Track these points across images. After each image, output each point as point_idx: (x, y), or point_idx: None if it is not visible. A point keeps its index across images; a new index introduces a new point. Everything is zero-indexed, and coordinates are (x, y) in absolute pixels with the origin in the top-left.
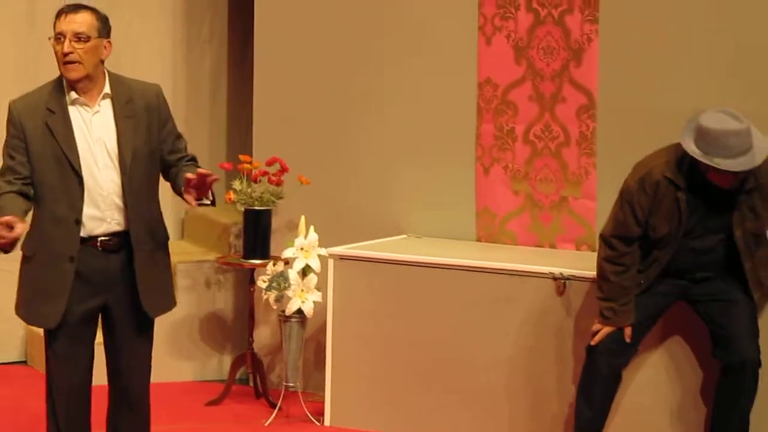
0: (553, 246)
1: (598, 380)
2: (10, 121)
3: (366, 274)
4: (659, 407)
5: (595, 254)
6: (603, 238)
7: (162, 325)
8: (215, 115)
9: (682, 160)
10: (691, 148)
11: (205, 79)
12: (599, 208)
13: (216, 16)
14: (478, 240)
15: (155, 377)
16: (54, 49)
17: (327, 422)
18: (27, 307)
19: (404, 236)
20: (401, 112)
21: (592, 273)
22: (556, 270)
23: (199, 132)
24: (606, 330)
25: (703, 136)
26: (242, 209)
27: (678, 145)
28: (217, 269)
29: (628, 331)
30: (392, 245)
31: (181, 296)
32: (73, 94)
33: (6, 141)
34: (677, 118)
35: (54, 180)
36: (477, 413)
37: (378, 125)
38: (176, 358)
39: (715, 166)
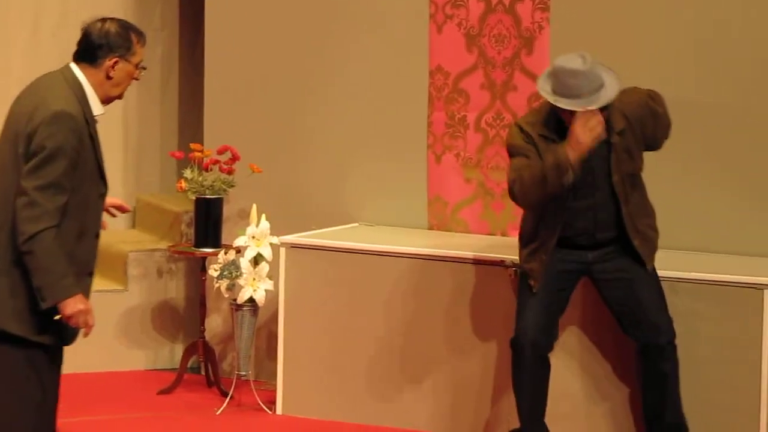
0: (504, 234)
1: (528, 369)
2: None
3: (318, 263)
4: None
5: None
6: (508, 181)
7: (114, 314)
8: (166, 104)
9: (548, 120)
10: (542, 86)
11: (156, 68)
12: None
13: (167, 5)
14: (430, 228)
15: (107, 366)
16: (132, 74)
17: (279, 411)
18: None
19: (356, 224)
20: (353, 101)
21: None
22: (508, 258)
23: (151, 121)
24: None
25: (552, 75)
26: (193, 198)
27: (541, 111)
28: (169, 258)
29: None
30: (344, 233)
31: (133, 285)
32: (101, 108)
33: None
34: None
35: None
36: (429, 401)
37: (329, 113)
38: (128, 347)
39: (553, 103)
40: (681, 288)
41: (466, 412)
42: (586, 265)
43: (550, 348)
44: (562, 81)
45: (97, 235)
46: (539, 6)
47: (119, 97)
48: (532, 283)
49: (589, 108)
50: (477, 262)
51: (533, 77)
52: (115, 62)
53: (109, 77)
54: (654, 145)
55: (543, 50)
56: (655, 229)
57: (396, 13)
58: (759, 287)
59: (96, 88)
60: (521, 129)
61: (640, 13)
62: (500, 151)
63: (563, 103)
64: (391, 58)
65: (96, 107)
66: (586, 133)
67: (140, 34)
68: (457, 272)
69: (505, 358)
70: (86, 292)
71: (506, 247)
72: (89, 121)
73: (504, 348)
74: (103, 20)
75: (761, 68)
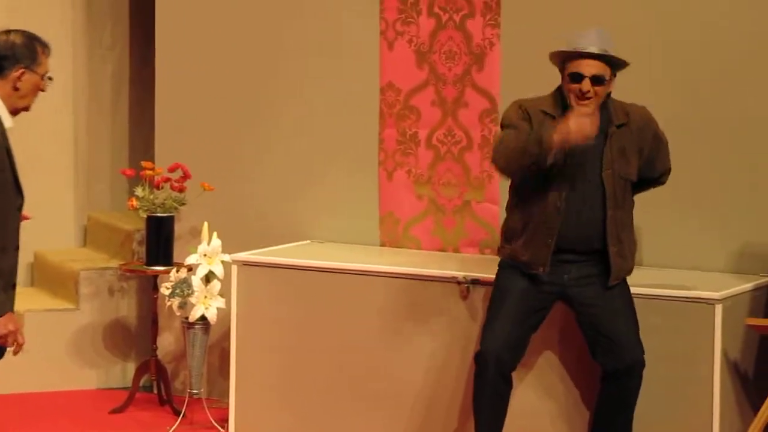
0: (456, 250)
1: (490, 385)
2: None
3: (269, 280)
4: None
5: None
6: (492, 150)
7: (65, 333)
8: (117, 122)
9: (553, 99)
10: (557, 49)
11: (106, 86)
12: (502, 211)
13: (117, 23)
14: (382, 245)
15: (59, 385)
16: (39, 85)
17: (231, 429)
18: None
19: (308, 242)
20: (304, 117)
21: None
22: (460, 274)
23: (101, 139)
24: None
25: (567, 38)
26: (145, 216)
27: (555, 90)
28: (120, 276)
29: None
30: (296, 251)
31: (84, 304)
32: (11, 121)
33: None
34: None
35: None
36: (382, 419)
37: (281, 130)
38: (80, 365)
39: (573, 50)
40: (633, 305)
41: (422, 429)
42: (564, 288)
43: (515, 367)
44: (576, 37)
45: (17, 248)
46: (490, 22)
47: (26, 108)
48: (540, 270)
49: (602, 51)
50: (429, 278)
51: (484, 93)
52: (22, 73)
53: (16, 88)
54: (649, 172)
55: (494, 67)
56: (632, 252)
57: (347, 30)
58: (710, 302)
59: (4, 100)
60: (520, 106)
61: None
62: (451, 167)
63: (581, 44)
64: (343, 74)
65: (6, 120)
66: (577, 123)
67: (45, 45)
68: (409, 289)
69: (459, 375)
70: (12, 307)
71: (458, 263)
72: (3, 133)
73: (458, 364)
74: (8, 32)
75: (711, 84)
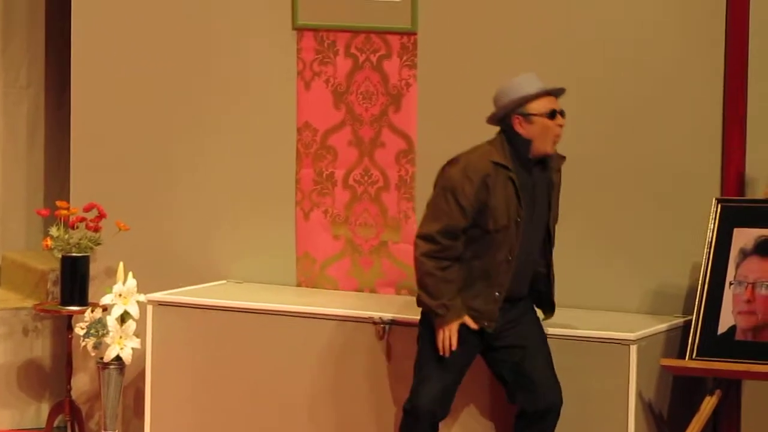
0: (373, 290)
1: None
2: None
3: (185, 320)
4: None
5: (414, 299)
6: (423, 235)
7: None
8: (32, 161)
9: (502, 147)
10: (524, 88)
11: (22, 125)
12: None
13: (32, 62)
14: (299, 285)
15: None
16: None
17: None
18: None
19: (224, 282)
20: (220, 157)
21: (413, 317)
22: (376, 314)
23: (17, 178)
24: (454, 332)
25: (514, 86)
26: (60, 256)
27: (493, 138)
28: (35, 316)
29: (469, 321)
30: (212, 291)
31: None
32: None
33: None
34: None
35: None
36: None
37: (197, 170)
38: None
39: (536, 92)
40: (548, 344)
41: None
42: (496, 333)
43: (446, 416)
44: (526, 80)
45: None
46: (406, 63)
47: None
48: (486, 323)
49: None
50: (345, 319)
51: (401, 134)
52: None
53: None
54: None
55: (411, 107)
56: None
57: (264, 70)
58: (625, 343)
59: None
60: (470, 178)
61: (507, 71)
62: (368, 207)
63: (536, 85)
64: (259, 114)
65: None
66: (443, 342)
67: None
68: (326, 329)
69: (375, 416)
70: None
71: (375, 304)
72: None
73: (373, 405)
74: None
75: (622, 123)
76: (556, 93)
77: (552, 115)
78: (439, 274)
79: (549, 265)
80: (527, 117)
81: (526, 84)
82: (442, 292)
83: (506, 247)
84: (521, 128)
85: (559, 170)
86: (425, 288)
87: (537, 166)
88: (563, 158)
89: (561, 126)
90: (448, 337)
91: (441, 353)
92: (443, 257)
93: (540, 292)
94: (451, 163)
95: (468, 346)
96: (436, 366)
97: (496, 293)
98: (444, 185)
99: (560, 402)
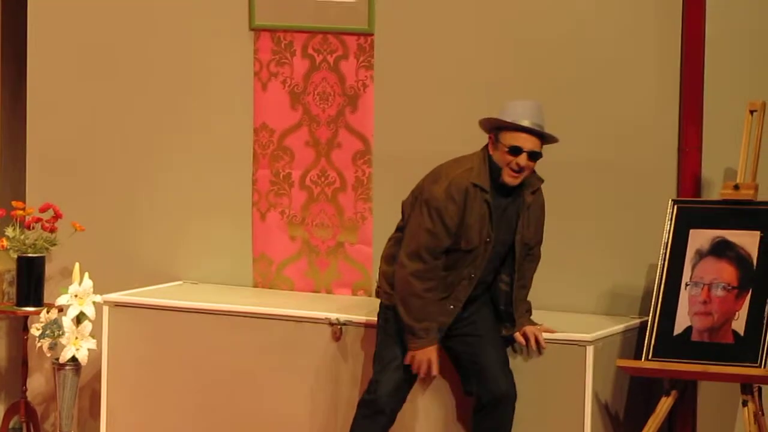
0: (329, 291)
1: (377, 429)
2: None
3: (141, 321)
4: None
5: (372, 299)
6: (411, 253)
7: None
8: None
9: (483, 164)
10: (494, 116)
11: None
12: (375, 253)
13: None
14: (255, 286)
15: None
16: None
17: None
18: None
19: (180, 282)
20: (177, 158)
21: (369, 318)
22: (332, 315)
23: None
24: (434, 360)
25: (507, 107)
26: (15, 256)
27: (478, 153)
28: None
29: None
30: (168, 292)
31: None
32: None
33: None
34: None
35: None
36: None
37: (153, 171)
38: None
39: (509, 123)
40: (503, 341)
41: None
42: (454, 324)
43: (401, 407)
44: (513, 107)
45: None
46: (363, 64)
47: None
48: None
49: (538, 127)
50: (301, 319)
51: (358, 135)
52: None
53: None
54: (535, 238)
55: (367, 108)
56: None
57: (221, 71)
58: (582, 344)
59: None
60: (454, 199)
61: (465, 72)
62: (325, 208)
63: (519, 115)
64: (217, 115)
65: None
66: (417, 364)
67: None
68: (282, 330)
69: (330, 416)
70: None
71: (331, 304)
72: None
73: (328, 405)
74: None
75: (578, 124)
76: (540, 135)
77: (514, 151)
78: (427, 297)
79: (511, 283)
80: (495, 143)
81: (514, 111)
82: (427, 315)
83: (472, 265)
84: (492, 149)
85: (534, 192)
86: (409, 308)
87: (514, 187)
88: (541, 180)
89: (521, 165)
90: (426, 361)
91: (414, 373)
92: (429, 278)
93: (499, 310)
94: (435, 180)
95: None
96: (392, 360)
97: (451, 306)
98: (429, 204)
99: (514, 393)
